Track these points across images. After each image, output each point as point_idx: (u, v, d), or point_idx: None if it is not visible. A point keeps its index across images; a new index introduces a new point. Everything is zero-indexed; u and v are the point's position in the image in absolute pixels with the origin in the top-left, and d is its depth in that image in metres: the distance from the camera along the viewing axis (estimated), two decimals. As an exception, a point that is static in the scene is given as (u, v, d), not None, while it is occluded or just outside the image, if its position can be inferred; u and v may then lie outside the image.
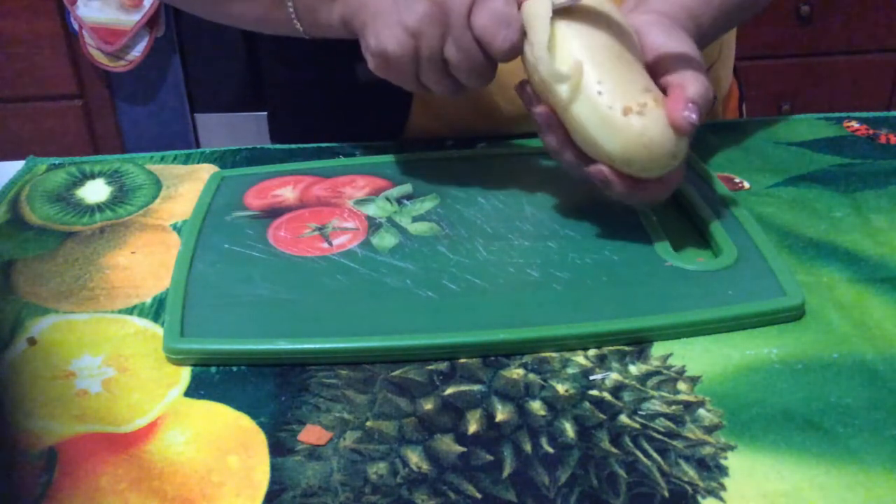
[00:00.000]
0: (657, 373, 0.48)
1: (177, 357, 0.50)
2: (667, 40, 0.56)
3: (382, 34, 0.57)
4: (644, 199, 0.57)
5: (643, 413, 0.46)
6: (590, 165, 0.56)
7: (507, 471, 0.43)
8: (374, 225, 0.62)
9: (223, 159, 0.74)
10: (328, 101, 0.79)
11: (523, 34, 0.55)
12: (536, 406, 0.46)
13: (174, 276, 0.56)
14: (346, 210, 0.64)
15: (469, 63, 0.57)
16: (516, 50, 0.55)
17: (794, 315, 0.52)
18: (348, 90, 0.75)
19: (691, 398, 0.47)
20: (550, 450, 0.44)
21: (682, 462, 0.43)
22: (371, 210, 0.64)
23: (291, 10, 0.64)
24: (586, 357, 0.50)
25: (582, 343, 0.50)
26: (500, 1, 0.55)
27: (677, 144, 0.53)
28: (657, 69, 0.56)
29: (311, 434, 0.45)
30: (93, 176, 0.72)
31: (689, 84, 0.54)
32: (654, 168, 0.54)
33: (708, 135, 0.75)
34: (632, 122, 0.52)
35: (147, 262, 0.60)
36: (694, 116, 0.52)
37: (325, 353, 0.50)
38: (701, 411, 0.46)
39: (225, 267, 0.57)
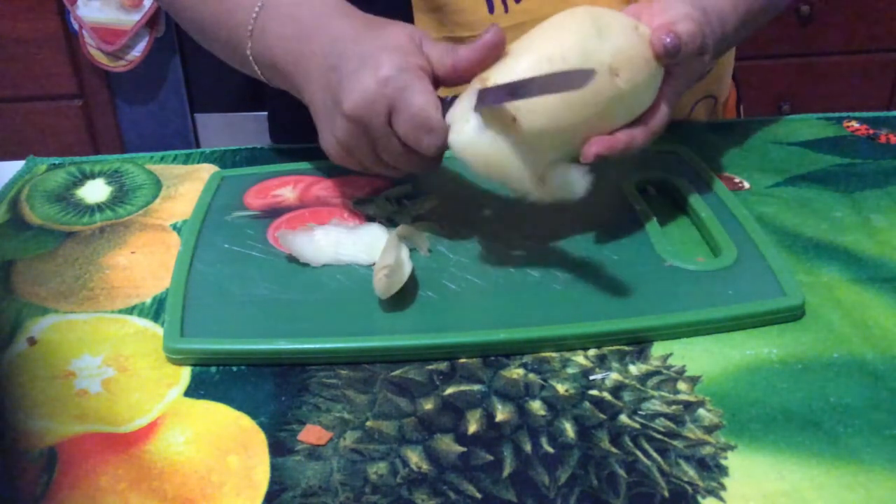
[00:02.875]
0: (657, 373, 0.48)
1: (177, 357, 0.50)
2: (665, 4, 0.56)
3: (323, 136, 0.58)
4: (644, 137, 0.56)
5: (643, 413, 0.46)
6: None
7: (507, 471, 0.43)
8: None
9: (223, 159, 0.74)
10: None
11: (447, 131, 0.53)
12: (536, 406, 0.46)
13: (174, 276, 0.56)
14: (347, 210, 0.64)
15: (406, 162, 0.56)
16: (442, 150, 0.54)
17: (794, 315, 0.52)
18: None
19: (691, 398, 0.47)
20: (550, 450, 0.44)
21: (682, 462, 0.43)
22: (371, 210, 0.64)
23: (261, 76, 0.63)
24: (586, 357, 0.50)
25: (582, 343, 0.50)
26: (417, 106, 0.52)
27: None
28: (652, 17, 0.55)
29: (311, 434, 0.45)
30: (93, 176, 0.72)
31: (680, 21, 0.53)
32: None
33: (708, 135, 0.75)
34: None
35: (147, 262, 0.60)
36: (668, 40, 0.52)
37: (325, 353, 0.50)
38: (701, 411, 0.46)
39: (225, 267, 0.57)
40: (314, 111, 0.59)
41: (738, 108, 0.92)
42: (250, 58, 0.62)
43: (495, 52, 0.52)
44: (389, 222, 0.62)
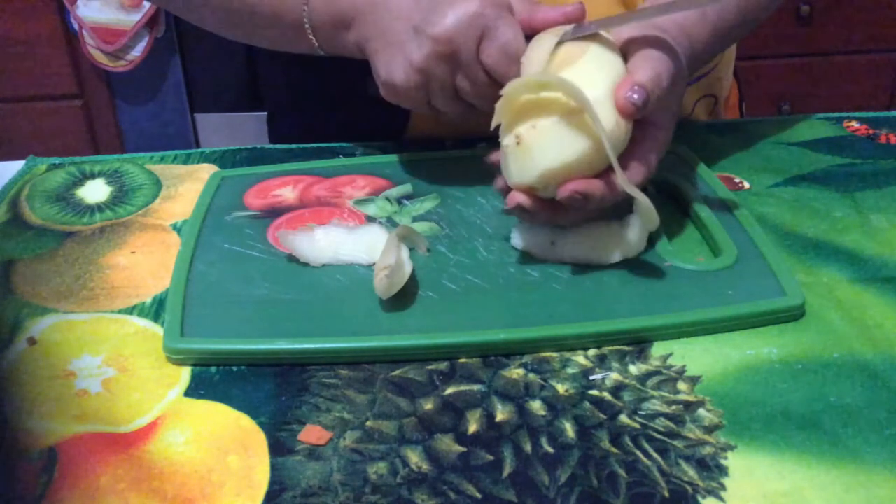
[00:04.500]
0: (657, 373, 0.48)
1: (177, 357, 0.50)
2: (639, 35, 0.56)
3: (392, 66, 0.59)
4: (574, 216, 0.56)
5: (643, 413, 0.46)
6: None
7: (507, 471, 0.43)
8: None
9: (223, 159, 0.74)
10: (326, 103, 0.79)
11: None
12: (536, 406, 0.46)
13: (174, 276, 0.56)
14: (347, 210, 0.64)
15: (481, 92, 0.58)
16: None
17: (794, 315, 0.52)
18: (346, 92, 0.75)
19: (691, 398, 0.47)
20: (550, 450, 0.44)
21: (682, 462, 0.43)
22: (371, 210, 0.64)
23: (312, 37, 0.65)
24: (586, 357, 0.50)
25: (581, 343, 0.50)
26: (509, 35, 0.55)
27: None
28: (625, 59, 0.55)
29: (311, 434, 0.45)
30: (93, 176, 0.72)
31: (639, 69, 0.53)
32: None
33: (708, 135, 0.75)
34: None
35: (147, 262, 0.60)
36: (636, 97, 0.51)
37: (325, 353, 0.50)
38: (701, 411, 0.46)
39: (225, 267, 0.57)
40: (384, 41, 0.59)
41: (741, 106, 0.92)
42: (305, 19, 0.64)
43: (572, 23, 0.56)
44: (389, 222, 0.62)
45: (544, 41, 0.55)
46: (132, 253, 0.61)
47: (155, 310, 0.55)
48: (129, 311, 0.55)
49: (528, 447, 0.44)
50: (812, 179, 0.68)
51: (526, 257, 0.57)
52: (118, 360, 0.51)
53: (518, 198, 0.54)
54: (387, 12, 0.59)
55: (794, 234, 0.61)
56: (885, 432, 0.44)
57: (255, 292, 0.55)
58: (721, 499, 0.41)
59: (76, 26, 1.81)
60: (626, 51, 0.55)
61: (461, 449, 0.44)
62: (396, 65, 0.58)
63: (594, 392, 0.47)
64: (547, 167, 0.52)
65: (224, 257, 0.58)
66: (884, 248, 0.59)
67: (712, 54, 0.68)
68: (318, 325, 0.52)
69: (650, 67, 0.53)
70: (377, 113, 0.71)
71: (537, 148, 0.52)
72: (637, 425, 0.45)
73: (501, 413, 0.46)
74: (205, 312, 0.53)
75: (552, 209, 0.54)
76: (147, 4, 1.77)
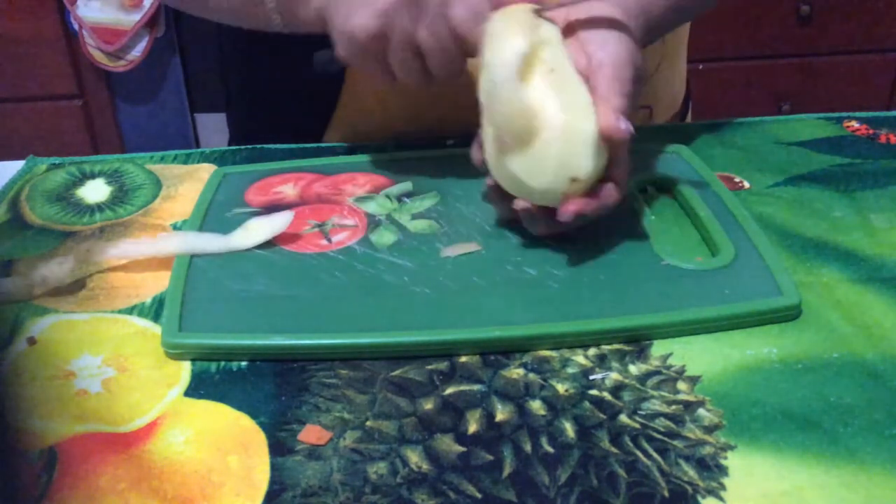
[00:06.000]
0: (657, 372, 0.48)
1: (175, 351, 0.50)
2: (600, 49, 0.55)
3: (351, 14, 0.56)
4: (604, 210, 0.56)
5: (643, 413, 0.46)
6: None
7: (507, 471, 0.43)
8: (373, 222, 0.62)
9: (223, 159, 0.74)
10: (248, 99, 0.80)
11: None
12: (536, 406, 0.46)
13: (174, 271, 0.56)
14: (346, 207, 0.64)
15: (441, 51, 0.56)
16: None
17: (791, 314, 0.52)
18: (266, 88, 0.76)
19: (691, 398, 0.47)
20: (550, 450, 0.44)
21: (682, 462, 0.43)
22: (371, 207, 0.64)
23: (272, 5, 0.63)
24: (586, 357, 0.50)
25: (578, 340, 0.50)
26: None
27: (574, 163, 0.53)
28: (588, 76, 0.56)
29: (311, 434, 0.45)
30: (93, 176, 0.72)
31: (607, 93, 0.53)
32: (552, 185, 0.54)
33: (708, 135, 0.75)
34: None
35: (147, 262, 0.60)
36: (624, 126, 0.52)
37: (323, 349, 0.50)
38: (701, 411, 0.46)
39: (224, 263, 0.57)
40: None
41: (683, 119, 0.90)
42: None
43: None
44: (389, 220, 0.62)
45: (514, 13, 0.54)
46: (132, 253, 0.61)
47: (155, 310, 0.55)
48: (129, 310, 0.55)
49: (528, 447, 0.44)
50: (812, 179, 0.68)
51: (524, 255, 0.57)
52: (118, 360, 0.51)
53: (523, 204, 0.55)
54: None
55: (794, 233, 0.61)
56: (885, 432, 0.44)
57: (254, 288, 0.55)
58: (721, 499, 0.41)
59: (76, 26, 1.81)
60: (578, 34, 0.55)
61: (461, 449, 0.44)
62: (357, 12, 0.56)
63: (594, 392, 0.47)
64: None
65: (224, 253, 0.58)
66: (884, 248, 0.59)
67: (667, 28, 0.67)
68: (315, 321, 0.52)
69: (616, 92, 0.53)
70: (300, 110, 0.71)
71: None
72: (637, 425, 0.45)
73: (501, 413, 0.46)
74: (203, 307, 0.53)
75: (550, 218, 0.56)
76: (147, 4, 1.77)
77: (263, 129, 0.79)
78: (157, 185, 0.70)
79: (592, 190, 0.55)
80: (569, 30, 0.57)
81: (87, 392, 0.48)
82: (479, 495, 0.41)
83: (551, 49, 0.55)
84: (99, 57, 1.83)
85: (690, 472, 0.42)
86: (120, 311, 0.55)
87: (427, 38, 0.56)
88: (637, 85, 0.56)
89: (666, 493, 0.41)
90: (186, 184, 0.70)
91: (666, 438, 0.44)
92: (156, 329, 0.53)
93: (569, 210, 0.53)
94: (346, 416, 0.46)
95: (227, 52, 0.83)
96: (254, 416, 0.46)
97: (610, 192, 0.55)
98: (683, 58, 0.86)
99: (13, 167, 0.74)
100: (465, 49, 0.56)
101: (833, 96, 1.94)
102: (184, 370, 0.50)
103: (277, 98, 0.78)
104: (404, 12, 0.55)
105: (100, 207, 0.67)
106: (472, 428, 0.45)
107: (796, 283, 0.54)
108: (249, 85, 0.81)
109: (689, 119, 0.90)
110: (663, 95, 0.83)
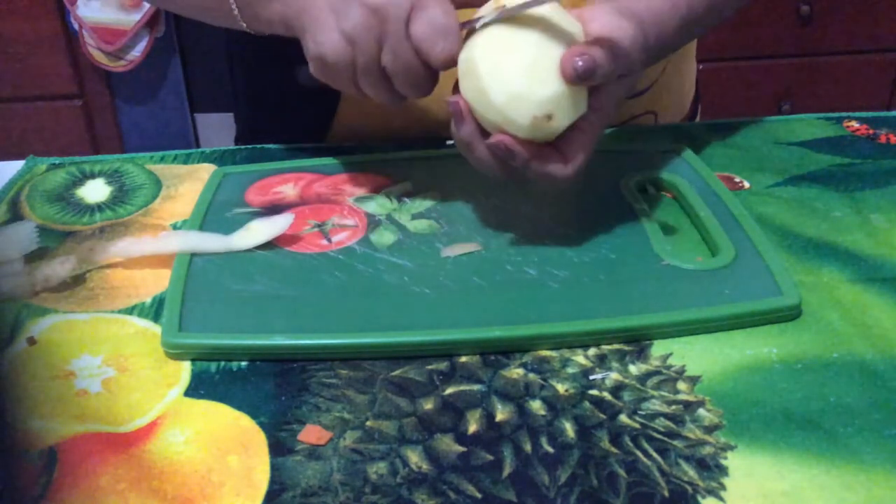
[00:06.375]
0: (657, 372, 0.48)
1: (175, 351, 0.51)
2: (597, 13, 0.55)
3: (320, 39, 0.57)
4: (547, 179, 0.55)
5: (643, 413, 0.46)
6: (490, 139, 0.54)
7: (507, 471, 0.43)
8: (373, 222, 0.62)
9: (223, 159, 0.74)
10: (252, 98, 0.80)
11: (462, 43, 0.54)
12: (536, 406, 0.46)
13: (174, 271, 0.56)
14: (346, 207, 0.64)
15: (406, 72, 0.56)
16: (453, 61, 0.54)
17: (791, 314, 0.52)
18: (270, 88, 0.76)
19: (691, 398, 0.47)
20: (550, 450, 0.44)
21: (682, 462, 0.43)
22: (371, 207, 0.64)
23: (232, 2, 0.63)
24: (586, 357, 0.50)
25: (578, 340, 0.50)
26: (439, 10, 0.54)
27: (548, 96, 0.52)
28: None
29: (311, 434, 0.45)
30: (93, 176, 0.72)
31: (598, 41, 0.52)
32: (523, 118, 0.52)
33: (708, 135, 0.75)
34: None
35: (147, 262, 0.60)
36: (580, 63, 0.50)
37: (323, 349, 0.50)
38: (701, 411, 0.46)
39: (225, 263, 0.58)
40: (312, 15, 0.57)
41: (695, 113, 0.89)
42: None
43: None
44: (389, 220, 0.62)
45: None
46: (132, 253, 0.61)
47: (155, 310, 0.55)
48: (129, 311, 0.55)
49: (528, 447, 0.44)
50: (812, 179, 0.68)
51: (524, 255, 0.57)
52: (118, 359, 0.51)
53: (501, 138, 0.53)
54: None
55: (794, 233, 0.61)
56: (885, 432, 0.44)
57: (254, 288, 0.55)
58: (721, 499, 0.41)
59: (76, 26, 1.81)
60: (587, 27, 0.54)
61: (461, 449, 0.44)
62: (325, 36, 0.56)
63: (594, 392, 0.47)
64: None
65: (224, 253, 0.59)
66: (884, 248, 0.59)
67: (678, 45, 0.67)
68: (315, 321, 0.52)
69: (607, 43, 0.52)
70: (303, 109, 0.71)
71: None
72: (637, 425, 0.45)
73: (501, 413, 0.46)
74: (203, 307, 0.53)
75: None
76: (147, 4, 1.77)
77: (270, 126, 0.79)
78: (157, 185, 0.70)
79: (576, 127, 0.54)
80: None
81: (87, 392, 0.48)
82: (479, 495, 0.41)
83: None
84: (99, 57, 1.83)
85: (690, 472, 0.42)
86: (120, 311, 0.55)
87: (391, 60, 0.55)
88: (629, 64, 0.54)
89: (666, 493, 0.41)
90: (186, 184, 0.70)
91: (666, 438, 0.44)
92: (156, 329, 0.53)
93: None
94: (346, 416, 0.46)
95: (233, 51, 0.83)
96: (254, 416, 0.46)
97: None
98: (691, 61, 0.86)
99: (13, 167, 0.74)
100: (430, 66, 0.55)
101: (833, 96, 1.94)
102: (184, 370, 0.50)
103: (282, 97, 0.78)
104: (368, 35, 0.55)
105: (100, 207, 0.67)
106: (472, 428, 0.45)
107: (796, 283, 0.54)
108: (255, 84, 0.81)
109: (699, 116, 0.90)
110: (668, 100, 0.83)
